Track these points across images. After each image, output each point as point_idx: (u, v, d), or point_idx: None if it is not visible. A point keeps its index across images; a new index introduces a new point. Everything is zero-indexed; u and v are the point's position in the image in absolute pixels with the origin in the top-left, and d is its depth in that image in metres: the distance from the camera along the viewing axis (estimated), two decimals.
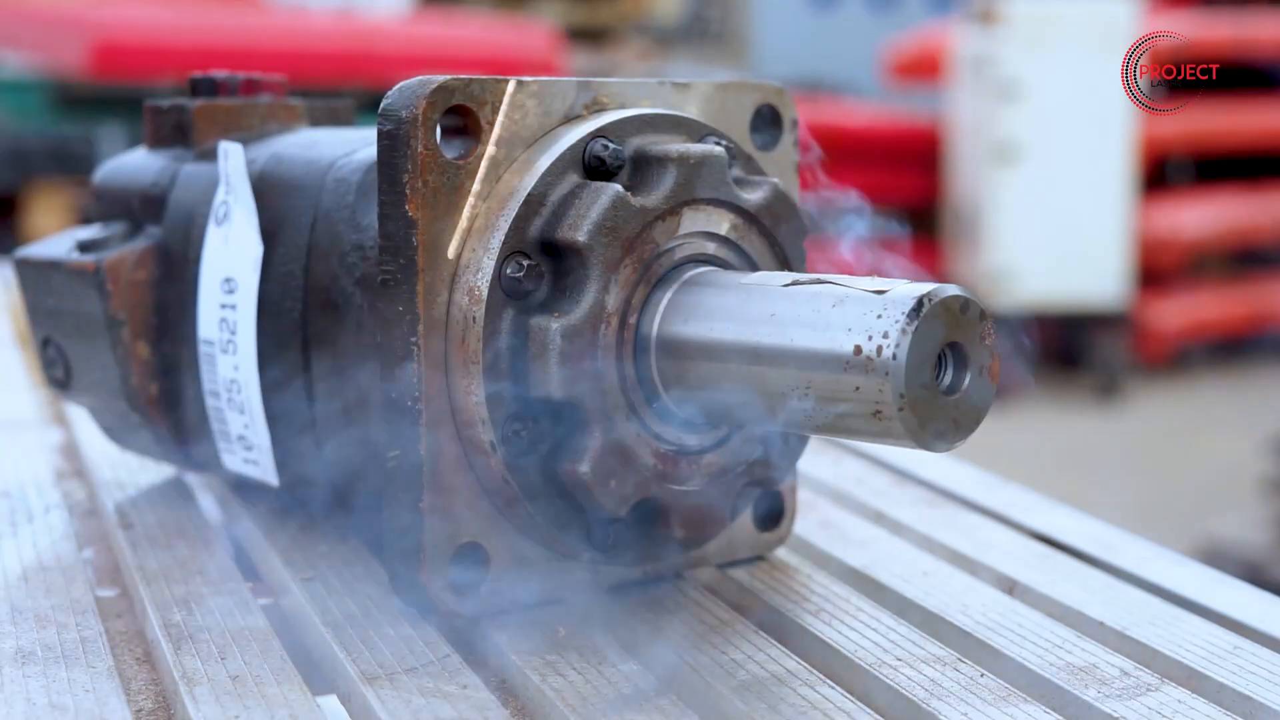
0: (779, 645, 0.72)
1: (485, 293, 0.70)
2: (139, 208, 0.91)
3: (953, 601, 0.78)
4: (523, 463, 0.71)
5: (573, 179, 0.72)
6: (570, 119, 0.74)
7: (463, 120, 0.71)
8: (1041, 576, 0.82)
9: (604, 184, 0.71)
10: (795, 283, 0.68)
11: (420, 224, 0.69)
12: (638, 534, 0.75)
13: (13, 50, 5.36)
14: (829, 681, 0.68)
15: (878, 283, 0.65)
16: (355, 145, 0.82)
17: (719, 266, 0.74)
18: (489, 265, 0.70)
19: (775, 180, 0.77)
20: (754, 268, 0.76)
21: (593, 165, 0.72)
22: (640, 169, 0.73)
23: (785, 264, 0.77)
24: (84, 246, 0.89)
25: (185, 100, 0.92)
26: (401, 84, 0.71)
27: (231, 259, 0.83)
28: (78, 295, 0.89)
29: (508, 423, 0.70)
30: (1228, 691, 0.68)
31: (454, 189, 0.71)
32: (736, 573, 0.82)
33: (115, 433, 0.96)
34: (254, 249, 0.82)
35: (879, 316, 0.63)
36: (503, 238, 0.70)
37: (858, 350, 0.63)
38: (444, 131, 0.71)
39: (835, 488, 1.00)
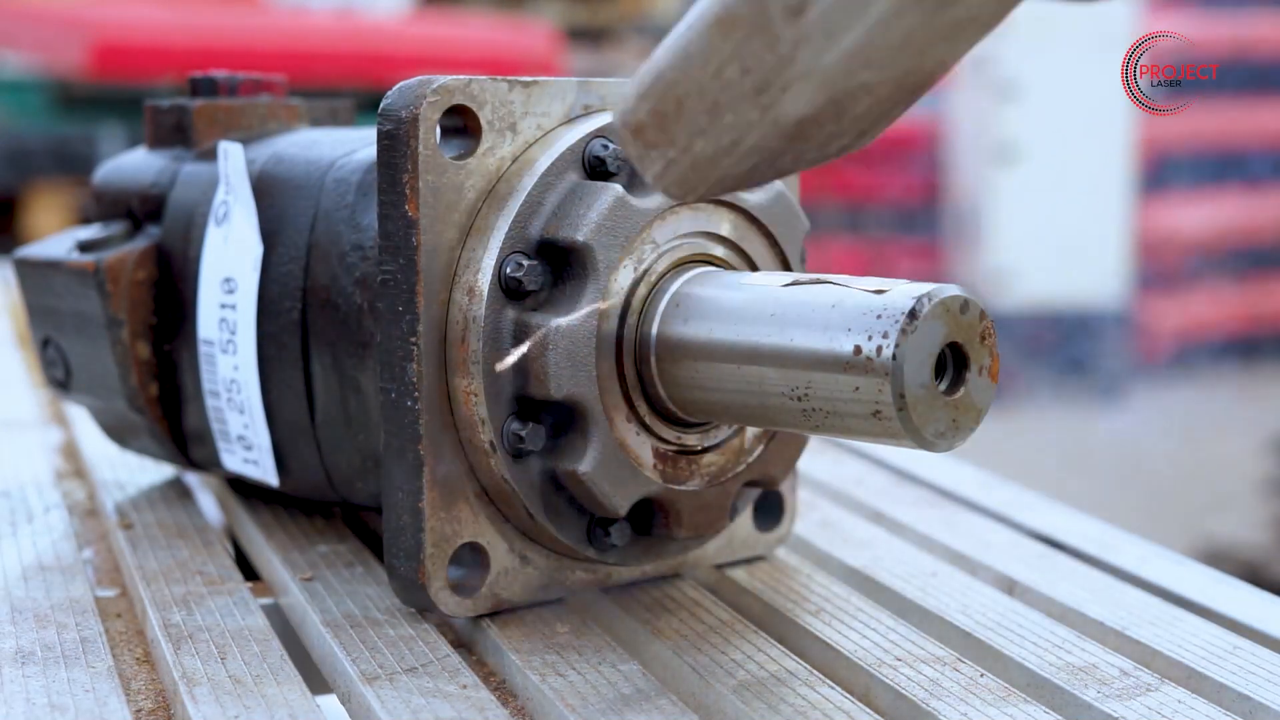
0: (779, 645, 0.72)
1: (485, 292, 0.70)
2: (139, 208, 0.91)
3: (953, 601, 0.78)
4: (522, 463, 0.71)
5: (572, 179, 0.72)
6: (570, 119, 0.74)
7: (463, 120, 0.71)
8: (1041, 576, 0.82)
9: (604, 184, 0.71)
10: (795, 283, 0.68)
11: (420, 224, 0.69)
12: (638, 534, 0.75)
13: (13, 50, 5.36)
14: (829, 681, 0.68)
15: (877, 283, 0.65)
16: (355, 145, 0.82)
17: (719, 267, 0.74)
18: (489, 265, 0.70)
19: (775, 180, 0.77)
20: (754, 268, 0.76)
21: (592, 165, 0.72)
22: None
23: (785, 264, 0.77)
24: (84, 246, 0.89)
25: (185, 100, 0.92)
26: (401, 84, 0.71)
27: (231, 259, 0.83)
28: (78, 295, 0.89)
29: (507, 423, 0.70)
30: (1228, 691, 0.68)
31: (454, 189, 0.71)
32: (736, 573, 0.82)
33: (115, 433, 0.96)
34: (254, 249, 0.82)
35: (879, 317, 0.63)
36: (503, 237, 0.70)
37: (858, 350, 0.63)
38: (444, 131, 0.71)
39: (835, 488, 1.00)
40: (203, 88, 0.92)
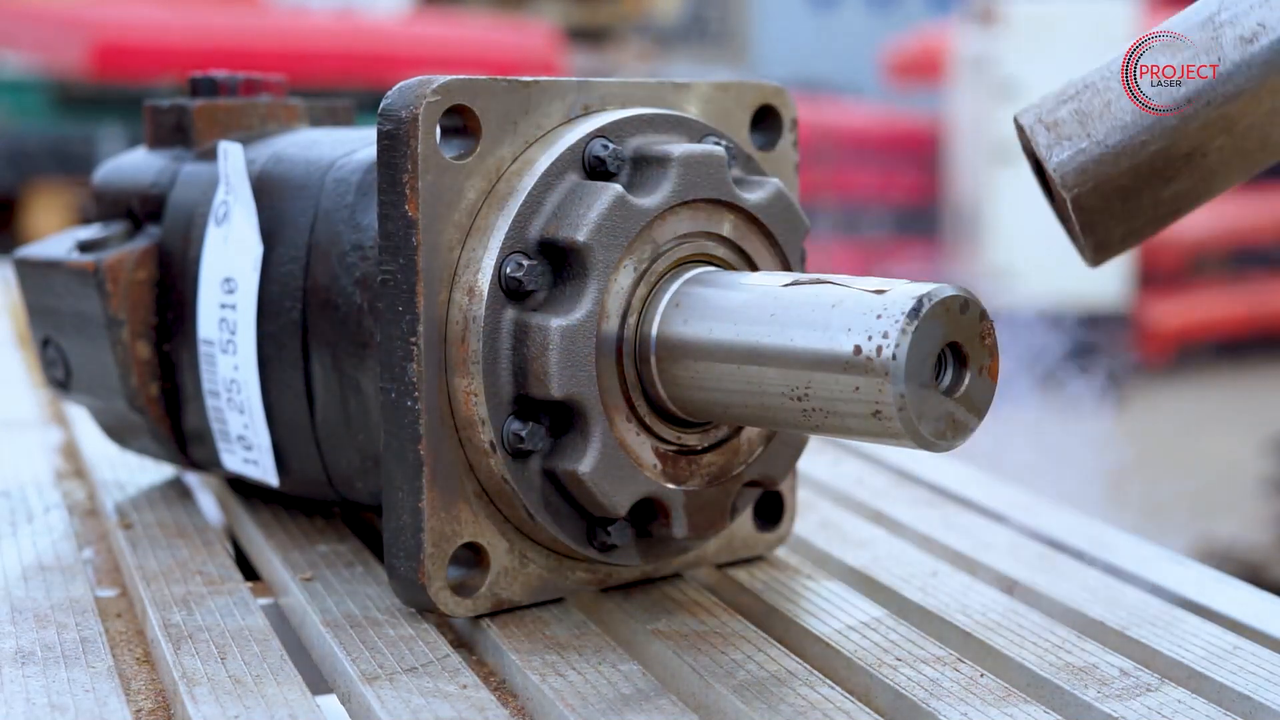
0: (779, 645, 0.72)
1: (485, 292, 0.70)
2: (139, 208, 0.91)
3: (953, 601, 0.78)
4: (522, 463, 0.71)
5: (572, 179, 0.72)
6: (570, 119, 0.74)
7: (463, 120, 0.71)
8: (1041, 576, 0.82)
9: (604, 184, 0.71)
10: (795, 283, 0.68)
11: (420, 224, 0.69)
12: (638, 534, 0.75)
13: (13, 50, 5.36)
14: (829, 681, 0.68)
15: (877, 283, 0.65)
16: (355, 145, 0.82)
17: (719, 267, 0.74)
18: (489, 265, 0.70)
19: (775, 180, 0.77)
20: (754, 268, 0.76)
21: (592, 165, 0.72)
22: (640, 169, 0.73)
23: (785, 264, 0.77)
24: (84, 246, 0.89)
25: (185, 100, 0.92)
26: (401, 84, 0.71)
27: (231, 259, 0.83)
28: (78, 295, 0.89)
29: (507, 423, 0.70)
30: (1228, 691, 0.68)
31: (454, 189, 0.71)
32: (736, 573, 0.82)
33: (115, 433, 0.96)
34: (254, 249, 0.82)
35: (879, 317, 0.63)
36: (503, 237, 0.70)
37: (857, 350, 0.63)
38: (444, 131, 0.71)
39: (835, 488, 1.00)
40: (203, 88, 0.92)
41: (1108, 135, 0.72)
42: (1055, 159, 0.73)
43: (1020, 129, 0.75)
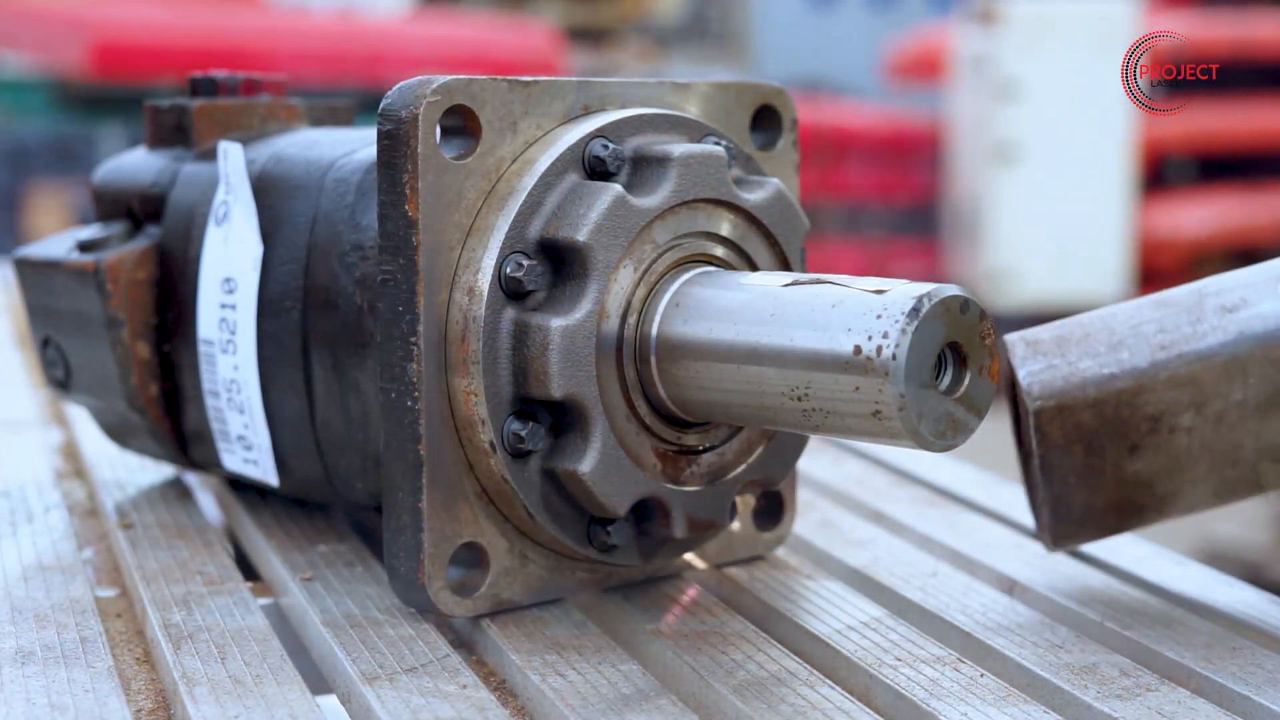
0: (779, 645, 0.72)
1: (485, 292, 0.70)
2: (139, 208, 0.91)
3: (953, 601, 0.78)
4: (522, 463, 0.71)
5: (572, 179, 0.72)
6: (570, 119, 0.74)
7: (463, 120, 0.71)
8: (1041, 576, 0.82)
9: (604, 184, 0.71)
10: (795, 283, 0.68)
11: (420, 224, 0.69)
12: (638, 534, 0.75)
13: (13, 50, 5.37)
14: (829, 681, 0.68)
15: (877, 283, 0.65)
16: (355, 145, 0.82)
17: (719, 267, 0.74)
18: (489, 265, 0.70)
19: (775, 180, 0.77)
20: (754, 268, 0.76)
21: (592, 165, 0.72)
22: (640, 169, 0.73)
23: (785, 264, 0.77)
24: (84, 246, 0.89)
25: (185, 100, 0.92)
26: (401, 84, 0.71)
27: (231, 259, 0.83)
28: (78, 295, 0.89)
29: (507, 423, 0.70)
30: (1228, 691, 0.68)
31: (454, 189, 0.71)
32: (736, 573, 0.82)
33: (115, 433, 0.96)
34: (254, 249, 0.82)
35: (879, 317, 0.63)
36: (503, 237, 0.70)
37: (857, 350, 0.63)
38: (444, 131, 0.71)
39: (835, 488, 1.00)
40: (203, 88, 0.92)
41: (1080, 358, 0.75)
42: (1026, 369, 0.76)
43: (1004, 346, 0.78)
